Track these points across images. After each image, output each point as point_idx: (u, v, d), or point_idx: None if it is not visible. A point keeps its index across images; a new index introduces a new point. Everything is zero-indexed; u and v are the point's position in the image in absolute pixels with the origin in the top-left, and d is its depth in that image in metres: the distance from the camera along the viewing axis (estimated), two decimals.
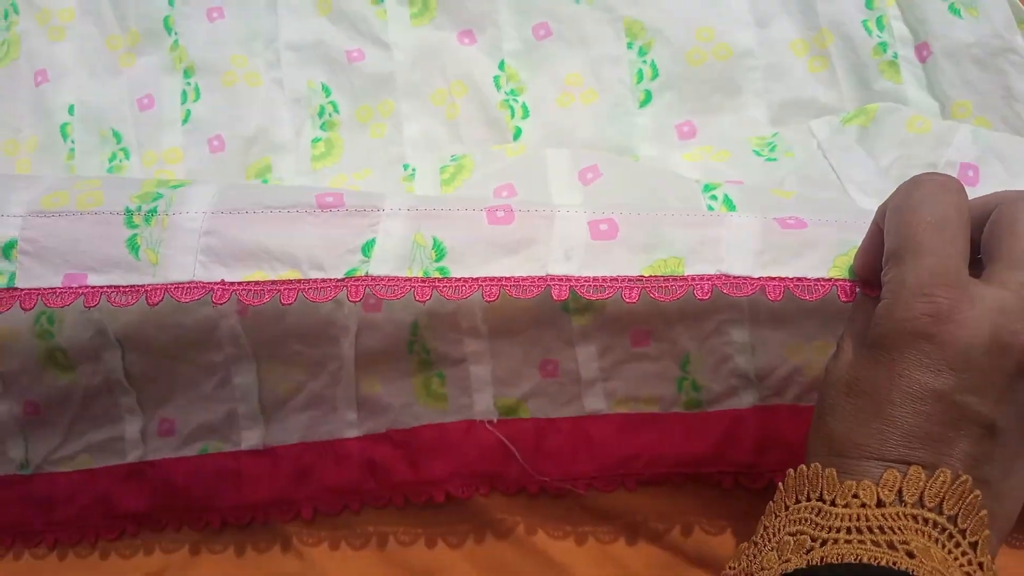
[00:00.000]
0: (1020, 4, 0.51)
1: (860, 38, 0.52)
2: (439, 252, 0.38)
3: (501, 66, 0.55)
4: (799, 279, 0.35)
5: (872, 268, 0.34)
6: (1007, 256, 0.30)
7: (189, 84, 0.57)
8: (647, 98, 0.53)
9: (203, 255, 0.37)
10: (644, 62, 0.53)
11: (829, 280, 0.35)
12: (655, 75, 0.53)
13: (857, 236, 0.35)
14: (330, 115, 0.56)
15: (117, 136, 0.57)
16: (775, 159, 0.46)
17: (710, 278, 0.36)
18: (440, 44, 0.56)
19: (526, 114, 0.54)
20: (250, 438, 0.48)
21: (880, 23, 0.52)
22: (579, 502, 0.48)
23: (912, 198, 0.31)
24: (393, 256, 0.37)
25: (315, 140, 0.56)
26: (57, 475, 0.49)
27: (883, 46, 0.52)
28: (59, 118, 0.57)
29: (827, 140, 0.47)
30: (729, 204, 0.40)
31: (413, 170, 0.50)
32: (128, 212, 0.38)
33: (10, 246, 0.38)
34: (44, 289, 0.37)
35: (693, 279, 0.36)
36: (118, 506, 0.49)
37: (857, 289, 0.35)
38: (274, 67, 0.57)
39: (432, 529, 0.48)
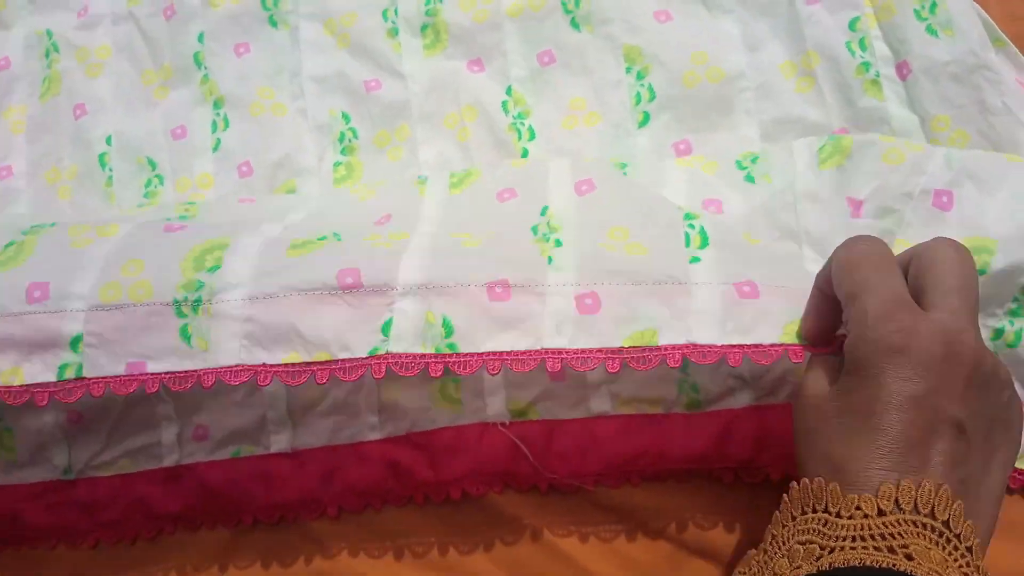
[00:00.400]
0: (993, 24, 0.54)
1: (844, 59, 0.55)
2: (448, 329, 0.42)
3: (509, 92, 0.59)
4: (755, 346, 0.40)
5: (818, 330, 0.40)
6: (935, 288, 0.35)
7: (219, 115, 0.61)
8: (645, 119, 0.57)
9: (245, 340, 0.42)
10: (642, 85, 0.57)
11: (781, 345, 0.40)
12: (652, 97, 0.56)
13: (801, 305, 0.41)
14: (350, 141, 0.60)
15: (152, 164, 0.61)
16: (753, 179, 0.49)
17: (680, 347, 0.41)
18: (451, 73, 0.60)
19: (532, 136, 0.57)
20: (279, 442, 0.52)
21: (863, 44, 0.55)
22: (587, 498, 0.51)
23: (853, 252, 0.38)
24: (408, 334, 0.42)
25: (336, 164, 0.59)
26: (99, 479, 0.53)
27: (866, 66, 0.55)
28: (98, 148, 0.62)
29: (802, 182, 0.48)
30: (704, 238, 0.45)
31: (424, 179, 0.53)
32: (176, 303, 0.43)
33: (77, 340, 0.42)
34: (110, 378, 0.42)
35: (665, 349, 0.41)
36: (156, 507, 0.52)
37: (806, 352, 0.40)
38: (298, 98, 0.61)
39: (450, 526, 0.52)
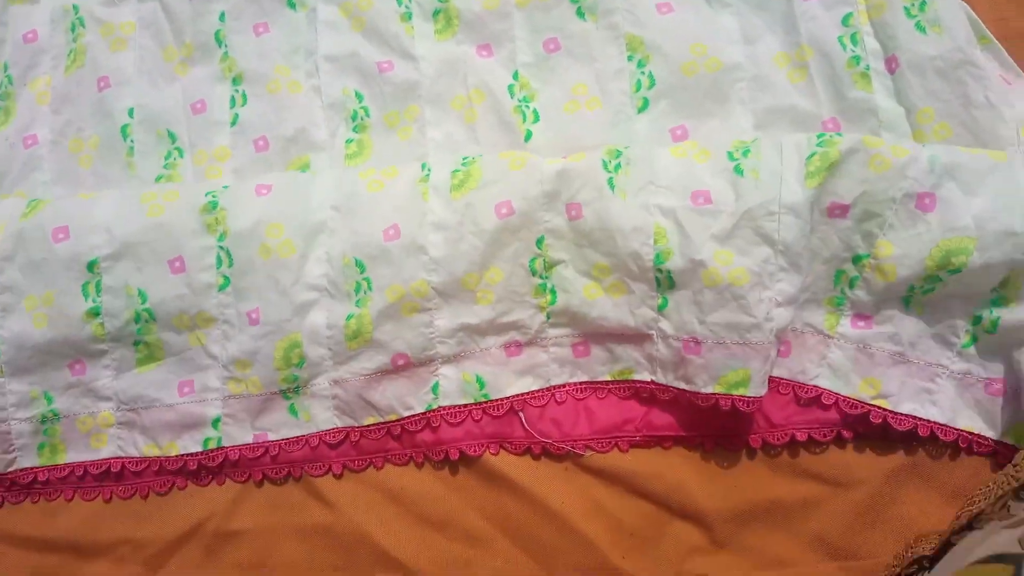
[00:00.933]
0: (980, 22, 0.56)
1: (836, 52, 0.57)
2: (480, 384, 0.54)
3: (515, 76, 0.61)
4: (695, 393, 0.51)
5: None
6: None
7: (237, 91, 0.63)
8: (644, 105, 0.59)
9: (335, 411, 0.55)
10: (643, 73, 0.59)
11: (714, 394, 0.50)
12: (652, 84, 0.59)
13: (737, 362, 0.49)
14: (362, 119, 0.62)
15: (172, 136, 0.63)
16: (742, 172, 0.51)
17: (647, 384, 0.54)
18: (461, 57, 0.62)
19: (536, 119, 0.60)
20: None
21: (854, 39, 0.58)
22: (577, 462, 0.54)
23: None
24: (452, 392, 0.55)
25: (348, 141, 0.62)
26: None
27: (856, 59, 0.57)
28: (120, 120, 0.64)
29: (788, 194, 0.49)
30: (670, 280, 0.51)
31: (428, 171, 0.56)
32: (283, 391, 0.55)
33: (217, 420, 0.56)
34: (242, 446, 0.56)
35: (638, 383, 0.54)
36: (170, 465, 0.56)
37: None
38: (313, 76, 0.63)
39: (447, 484, 0.55)
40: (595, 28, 0.61)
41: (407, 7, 0.64)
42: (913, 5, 0.57)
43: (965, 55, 0.55)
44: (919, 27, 0.56)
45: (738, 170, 0.51)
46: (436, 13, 0.63)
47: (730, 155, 0.51)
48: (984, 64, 0.55)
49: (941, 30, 0.56)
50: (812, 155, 0.50)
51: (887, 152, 0.49)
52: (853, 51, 0.57)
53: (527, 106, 0.60)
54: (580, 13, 0.61)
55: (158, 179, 0.63)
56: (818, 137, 0.50)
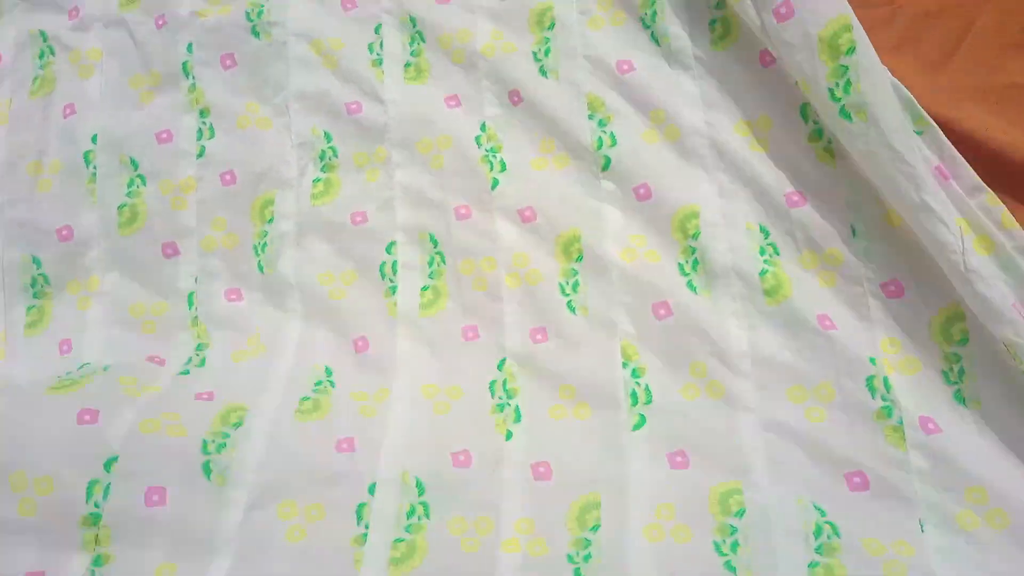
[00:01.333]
0: (914, 101, 0.53)
1: (798, 125, 0.57)
2: (420, 489, 0.51)
3: (483, 127, 0.62)
4: None
5: None
6: None
7: (204, 123, 0.64)
8: (607, 163, 0.59)
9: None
10: (604, 132, 0.60)
11: None
12: (614, 143, 0.59)
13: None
14: (330, 159, 0.63)
15: (134, 164, 0.63)
16: (695, 289, 0.55)
17: None
18: (429, 104, 0.63)
19: (503, 168, 0.60)
20: None
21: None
22: None
23: None
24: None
25: (316, 180, 0.62)
26: None
27: (819, 133, 0.56)
28: (83, 146, 0.64)
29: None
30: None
31: (393, 289, 0.59)
32: (204, 443, 0.51)
33: (112, 460, 0.49)
34: None
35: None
36: None
37: None
38: (283, 114, 0.64)
39: None
40: (556, 84, 0.61)
41: (378, 55, 0.64)
42: (837, 86, 0.51)
43: (895, 151, 0.49)
44: (843, 113, 0.51)
45: (691, 286, 0.54)
46: (408, 65, 0.64)
47: (681, 268, 0.54)
48: (915, 160, 0.49)
49: (866, 117, 0.50)
50: (815, 565, 0.47)
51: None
52: (816, 124, 0.56)
53: (494, 156, 0.61)
54: (543, 71, 0.62)
55: (121, 208, 0.62)
56: (815, 540, 0.48)
